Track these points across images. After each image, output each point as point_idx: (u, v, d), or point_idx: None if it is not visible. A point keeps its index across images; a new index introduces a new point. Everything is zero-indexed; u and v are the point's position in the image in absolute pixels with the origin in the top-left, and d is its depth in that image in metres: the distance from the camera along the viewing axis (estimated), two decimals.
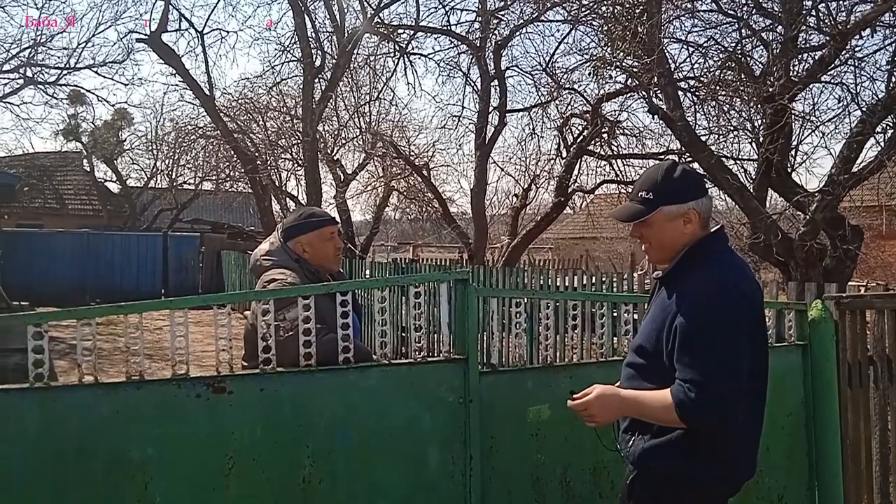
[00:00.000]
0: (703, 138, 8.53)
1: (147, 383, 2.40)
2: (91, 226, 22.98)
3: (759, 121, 8.30)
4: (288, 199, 17.78)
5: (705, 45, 8.64)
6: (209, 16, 36.21)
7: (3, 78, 19.94)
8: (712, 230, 2.31)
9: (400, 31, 13.89)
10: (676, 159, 11.38)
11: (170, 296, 18.37)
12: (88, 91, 24.71)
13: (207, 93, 14.46)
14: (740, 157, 9.20)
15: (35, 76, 20.14)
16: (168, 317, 2.49)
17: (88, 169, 27.95)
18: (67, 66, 19.97)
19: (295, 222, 3.06)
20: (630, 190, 13.31)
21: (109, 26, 30.15)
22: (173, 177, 25.96)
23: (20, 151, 26.00)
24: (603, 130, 12.22)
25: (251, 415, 2.51)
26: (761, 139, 7.87)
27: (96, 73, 20.18)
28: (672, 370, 2.16)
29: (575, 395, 2.31)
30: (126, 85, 35.14)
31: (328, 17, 14.07)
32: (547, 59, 12.77)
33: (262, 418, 2.53)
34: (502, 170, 15.59)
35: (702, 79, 8.92)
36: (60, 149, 27.46)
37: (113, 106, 25.73)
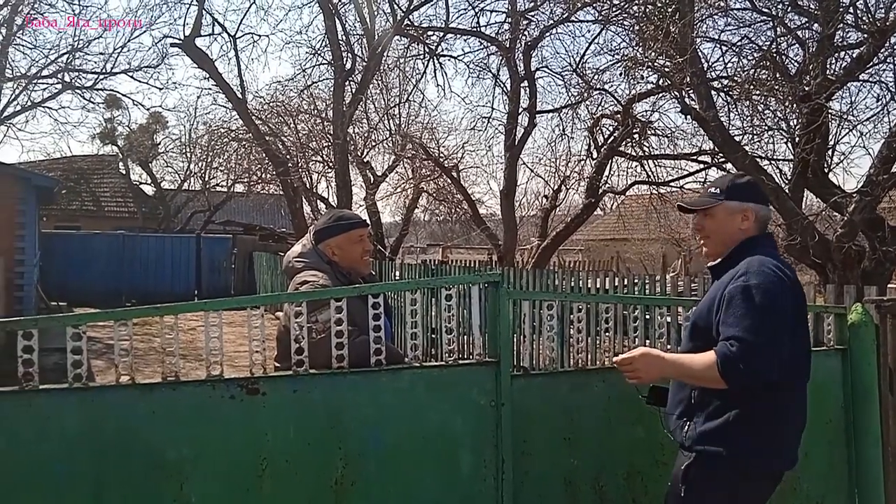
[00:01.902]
0: (737, 138, 8.40)
1: (182, 384, 2.43)
2: (126, 227, 23.37)
3: (795, 120, 8.16)
4: (319, 201, 17.93)
5: (739, 43, 8.51)
6: (241, 20, 36.48)
7: (41, 83, 20.39)
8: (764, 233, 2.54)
9: (429, 33, 13.92)
10: (709, 159, 11.24)
11: (203, 297, 18.64)
12: (124, 95, 25.25)
13: (240, 96, 14.63)
14: (775, 157, 9.04)
15: (73, 81, 20.53)
16: (201, 318, 2.52)
17: (124, 172, 28.46)
18: (104, 70, 20.35)
19: (325, 225, 3.07)
20: (662, 191, 13.13)
21: (144, 31, 30.74)
22: (206, 179, 26.33)
23: (58, 155, 26.54)
24: (634, 131, 12.11)
25: (284, 416, 2.53)
26: (797, 139, 7.73)
27: (132, 77, 20.52)
28: None
29: (620, 355, 2.51)
30: (160, 89, 35.46)
31: (358, 19, 14.15)
32: (577, 59, 12.72)
33: (295, 420, 2.54)
34: (532, 171, 15.56)
35: (735, 78, 8.79)
36: (97, 152, 28.01)
37: (148, 110, 26.25)
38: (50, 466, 2.27)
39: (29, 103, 21.11)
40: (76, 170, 26.40)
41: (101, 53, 24.71)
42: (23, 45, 19.25)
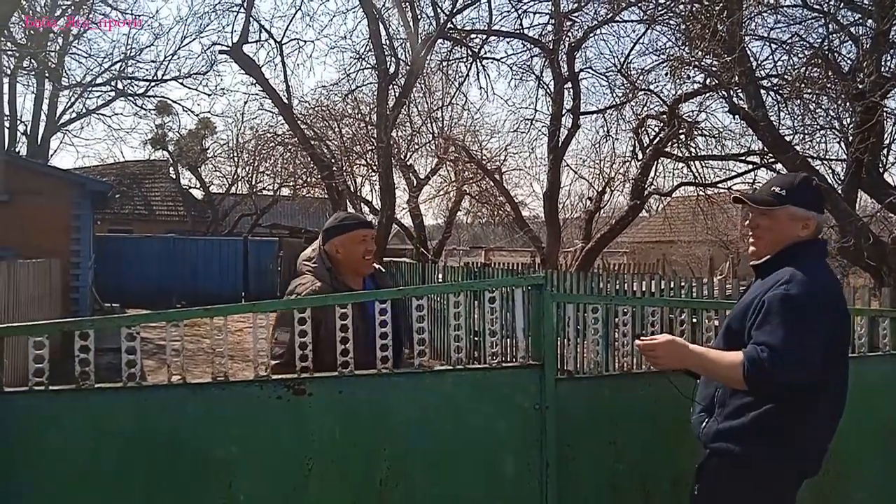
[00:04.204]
0: (788, 138, 8.22)
1: (231, 384, 2.48)
2: (177, 231, 23.89)
3: (848, 119, 7.94)
4: (363, 204, 18.09)
5: (789, 41, 8.34)
6: (287, 26, 37.04)
7: (96, 91, 21.05)
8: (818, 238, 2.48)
9: (473, 35, 13.93)
10: (758, 160, 11.01)
11: (250, 298, 18.95)
12: (174, 102, 25.87)
13: (286, 101, 14.83)
14: (828, 157, 8.82)
15: (125, 88, 21.16)
16: (248, 319, 2.56)
17: (174, 176, 29.10)
18: (155, 78, 20.91)
19: (330, 224, 3.18)
20: (710, 192, 12.86)
21: (194, 39, 31.51)
22: (253, 183, 26.74)
23: (112, 160, 27.37)
24: (680, 131, 11.92)
25: (330, 417, 2.56)
26: (850, 138, 7.53)
27: (182, 84, 21.09)
28: None
29: (643, 337, 2.49)
30: (209, 95, 36.46)
31: (402, 24, 14.24)
32: (622, 59, 12.59)
33: (341, 420, 2.57)
34: (576, 173, 15.44)
35: (786, 77, 8.60)
36: (148, 157, 28.72)
37: (197, 115, 26.79)
38: (104, 462, 2.35)
39: (84, 110, 21.88)
40: (129, 175, 27.12)
41: (152, 61, 25.44)
42: (78, 55, 19.91)
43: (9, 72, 17.25)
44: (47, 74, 18.02)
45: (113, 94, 21.30)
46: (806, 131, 8.69)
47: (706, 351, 2.40)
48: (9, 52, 14.57)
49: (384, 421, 2.62)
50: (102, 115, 22.22)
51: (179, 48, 31.22)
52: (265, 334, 2.56)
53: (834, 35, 7.81)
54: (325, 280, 3.00)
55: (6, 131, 16.62)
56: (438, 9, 13.54)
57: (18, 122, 20.39)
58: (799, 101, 8.60)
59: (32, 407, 2.30)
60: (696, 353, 2.39)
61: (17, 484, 2.28)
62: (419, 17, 14.00)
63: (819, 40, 7.96)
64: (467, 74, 14.56)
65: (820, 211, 2.45)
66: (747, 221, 2.51)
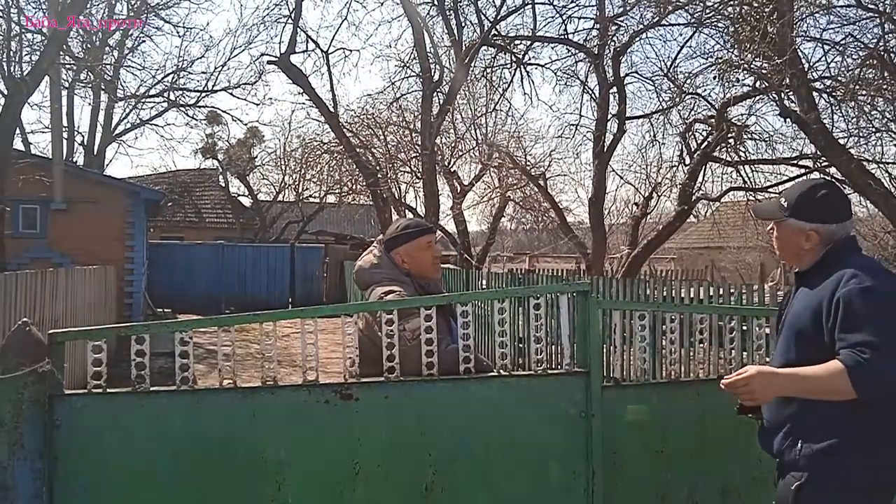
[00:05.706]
0: (842, 141, 8.02)
1: (280, 388, 2.53)
2: (225, 238, 24.37)
3: None
4: (407, 210, 18.20)
5: (843, 42, 8.14)
6: (334, 36, 37.66)
7: (149, 102, 21.62)
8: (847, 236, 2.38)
9: (517, 42, 13.94)
10: (811, 164, 10.75)
11: (296, 304, 19.22)
12: (224, 112, 26.28)
13: (332, 110, 15.03)
14: (884, 160, 8.57)
15: (177, 99, 21.67)
16: (295, 325, 2.61)
17: (223, 184, 29.70)
18: (205, 89, 21.38)
19: (393, 234, 3.04)
20: (760, 197, 12.65)
21: (243, 50, 32.23)
22: (300, 191, 27.13)
23: (164, 169, 28.07)
24: (729, 135, 11.72)
25: (376, 421, 2.59)
26: None
27: (231, 94, 21.41)
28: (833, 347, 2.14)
29: (727, 376, 2.31)
30: (257, 105, 37.19)
31: (446, 31, 14.33)
32: (669, 63, 12.44)
33: (387, 425, 2.60)
34: (622, 178, 15.34)
35: (839, 78, 8.39)
36: (199, 166, 29.37)
37: (246, 125, 27.32)
38: (159, 463, 2.42)
39: (138, 121, 22.49)
40: (180, 183, 27.77)
41: (203, 73, 26.05)
42: (132, 67, 20.47)
43: (67, 84, 17.85)
44: (103, 87, 18.56)
45: (165, 104, 21.84)
46: (861, 134, 8.47)
47: (797, 371, 2.21)
48: (67, 66, 15.08)
49: (429, 426, 2.63)
50: (155, 125, 22.79)
51: (229, 59, 31.97)
52: (313, 340, 2.60)
53: (890, 35, 7.59)
54: (408, 285, 2.89)
55: (64, 142, 17.21)
56: (482, 16, 13.61)
57: (76, 132, 21.10)
58: (853, 103, 8.38)
59: (91, 409, 2.38)
60: (789, 375, 2.21)
61: (75, 483, 2.36)
62: (463, 24, 14.09)
63: (874, 40, 7.76)
64: (511, 81, 14.59)
65: (828, 221, 2.33)
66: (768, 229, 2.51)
